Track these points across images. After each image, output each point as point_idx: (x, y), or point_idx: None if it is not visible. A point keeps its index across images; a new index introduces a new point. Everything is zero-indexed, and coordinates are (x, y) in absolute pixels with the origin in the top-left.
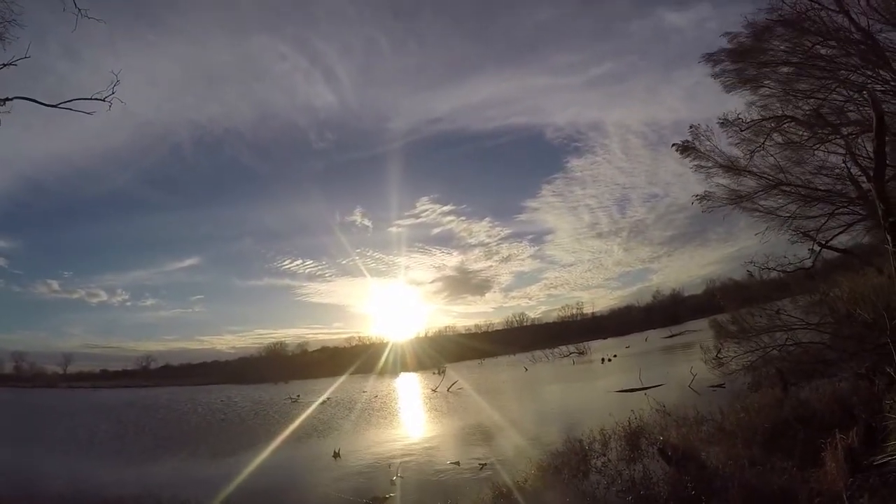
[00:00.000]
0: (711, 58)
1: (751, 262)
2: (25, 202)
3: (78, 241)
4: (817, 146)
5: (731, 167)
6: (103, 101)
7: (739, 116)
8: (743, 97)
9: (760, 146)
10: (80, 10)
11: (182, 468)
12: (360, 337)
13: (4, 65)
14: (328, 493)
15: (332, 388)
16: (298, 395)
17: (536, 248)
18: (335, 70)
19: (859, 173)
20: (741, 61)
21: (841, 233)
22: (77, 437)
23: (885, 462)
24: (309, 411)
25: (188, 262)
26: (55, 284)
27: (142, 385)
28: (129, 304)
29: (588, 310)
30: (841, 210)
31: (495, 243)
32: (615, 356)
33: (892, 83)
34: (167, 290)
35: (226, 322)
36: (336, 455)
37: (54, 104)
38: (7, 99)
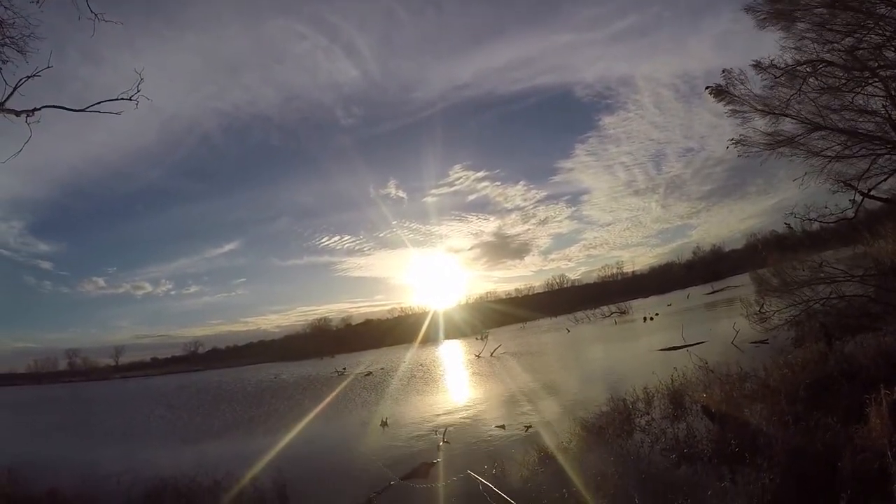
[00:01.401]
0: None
1: (791, 214)
2: (65, 206)
3: (118, 237)
4: (856, 90)
5: (768, 111)
6: (129, 99)
7: (773, 62)
8: (776, 36)
9: (797, 92)
10: (95, 14)
11: (235, 444)
12: (401, 308)
13: (28, 77)
14: (376, 460)
15: (375, 360)
16: (345, 368)
17: (573, 208)
18: (355, 44)
19: None
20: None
21: (884, 181)
22: (132, 425)
23: None
24: (355, 383)
25: (227, 247)
26: (101, 281)
27: (192, 370)
28: (173, 293)
29: (628, 269)
30: (883, 157)
31: (531, 206)
32: (657, 314)
33: None
34: (209, 276)
35: (269, 302)
36: (384, 423)
37: (82, 108)
38: (35, 109)
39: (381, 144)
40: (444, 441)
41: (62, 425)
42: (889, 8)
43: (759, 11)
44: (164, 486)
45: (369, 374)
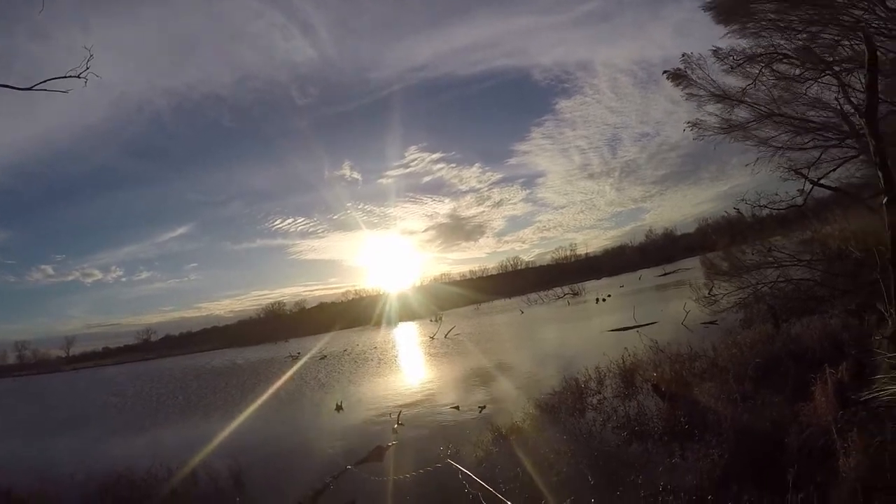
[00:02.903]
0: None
1: (742, 200)
2: (10, 190)
3: (67, 222)
4: (810, 81)
5: (724, 96)
6: (78, 77)
7: (732, 49)
8: (733, 30)
9: (753, 81)
10: None
11: (189, 433)
12: (356, 290)
13: None
14: (332, 445)
15: (330, 343)
16: (299, 353)
17: (528, 191)
18: (312, 23)
19: (851, 110)
20: None
21: (833, 170)
22: (85, 417)
23: (873, 396)
24: (310, 367)
25: (179, 230)
26: (49, 269)
27: (145, 358)
28: (124, 279)
29: (581, 251)
30: (832, 146)
31: (486, 188)
32: (609, 296)
33: (887, 21)
34: (160, 261)
35: (222, 287)
36: (339, 408)
37: (28, 87)
38: None
39: (336, 125)
40: (398, 424)
41: (13, 421)
42: (844, 8)
43: (717, 9)
44: (120, 479)
45: (324, 357)
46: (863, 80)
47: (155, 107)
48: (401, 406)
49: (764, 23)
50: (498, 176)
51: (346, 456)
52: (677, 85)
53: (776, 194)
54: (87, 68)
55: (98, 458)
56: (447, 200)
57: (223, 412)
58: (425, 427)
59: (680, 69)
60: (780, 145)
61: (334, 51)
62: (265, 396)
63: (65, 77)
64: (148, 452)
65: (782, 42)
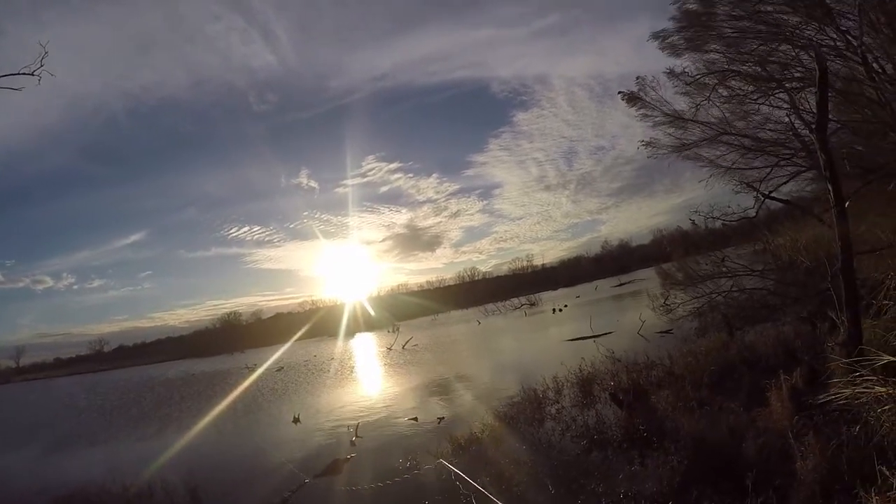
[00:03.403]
0: (659, 35)
1: (696, 212)
2: None
3: (17, 226)
4: (762, 100)
5: (677, 117)
6: (32, 74)
7: (685, 70)
8: (690, 58)
9: (706, 99)
10: None
11: (144, 446)
12: (313, 301)
13: None
14: (290, 458)
15: (286, 355)
16: (255, 364)
17: (485, 202)
18: (273, 28)
19: (802, 127)
20: (688, 28)
21: (784, 184)
22: (37, 431)
23: (827, 401)
24: (267, 378)
25: (133, 237)
26: None
27: (98, 369)
28: (76, 287)
29: (538, 262)
30: (784, 161)
31: (444, 199)
32: (566, 306)
33: (837, 41)
34: (114, 269)
35: (177, 296)
36: (296, 420)
37: None
38: None
39: (294, 133)
40: (356, 436)
41: None
42: (795, 29)
43: (668, 43)
44: (73, 495)
45: (280, 368)
46: (814, 98)
47: (111, 109)
48: (359, 418)
49: (718, 51)
50: (455, 187)
51: (305, 469)
52: (632, 106)
53: (729, 206)
54: (42, 66)
55: (51, 473)
56: (404, 210)
57: (178, 425)
58: (384, 439)
59: (634, 91)
60: (729, 165)
61: (294, 57)
62: (221, 408)
63: (18, 74)
64: (103, 467)
65: (735, 60)
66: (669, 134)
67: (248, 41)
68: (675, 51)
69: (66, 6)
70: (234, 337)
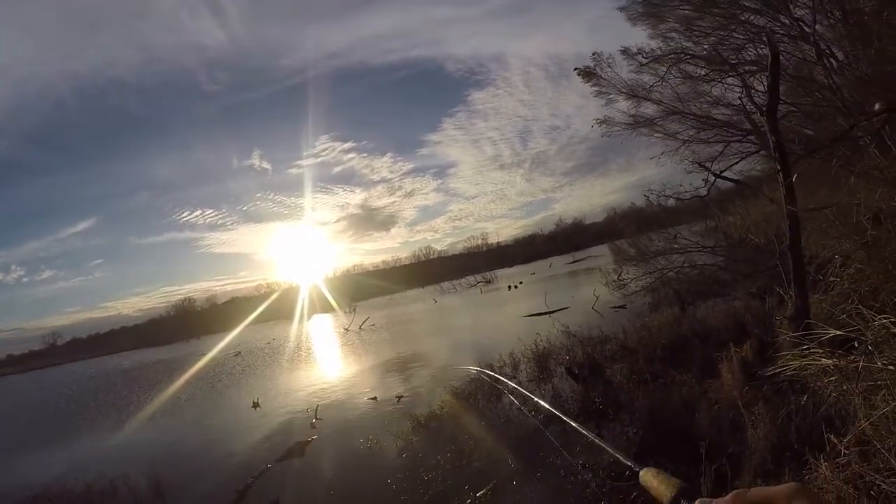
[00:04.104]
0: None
1: (649, 190)
2: None
3: None
4: (715, 81)
5: (632, 94)
6: None
7: (641, 49)
8: (646, 31)
9: (660, 79)
10: None
11: (103, 441)
12: (268, 283)
13: None
14: (251, 443)
15: (244, 339)
16: (212, 350)
17: (439, 181)
18: (222, 3)
19: (753, 109)
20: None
21: (735, 164)
22: None
23: (776, 373)
24: (224, 364)
25: (82, 225)
26: None
27: (53, 364)
28: (25, 279)
29: (493, 240)
30: (735, 141)
31: (398, 178)
32: (521, 283)
33: (790, 27)
34: (63, 258)
35: (129, 284)
36: (255, 405)
37: None
38: None
39: (245, 113)
40: (316, 418)
41: None
42: (750, 14)
43: (631, 9)
44: (37, 497)
45: (238, 353)
46: (765, 82)
47: (57, 92)
48: (318, 399)
49: (675, 25)
50: (410, 166)
51: (267, 454)
52: (587, 82)
53: (681, 185)
54: None
55: (9, 474)
56: (359, 190)
57: (137, 417)
58: (344, 419)
59: (590, 67)
60: (685, 139)
61: (245, 34)
62: (180, 397)
63: None
64: (63, 466)
65: (690, 45)
66: (623, 111)
67: (198, 17)
68: (634, 18)
69: None
70: (190, 324)
